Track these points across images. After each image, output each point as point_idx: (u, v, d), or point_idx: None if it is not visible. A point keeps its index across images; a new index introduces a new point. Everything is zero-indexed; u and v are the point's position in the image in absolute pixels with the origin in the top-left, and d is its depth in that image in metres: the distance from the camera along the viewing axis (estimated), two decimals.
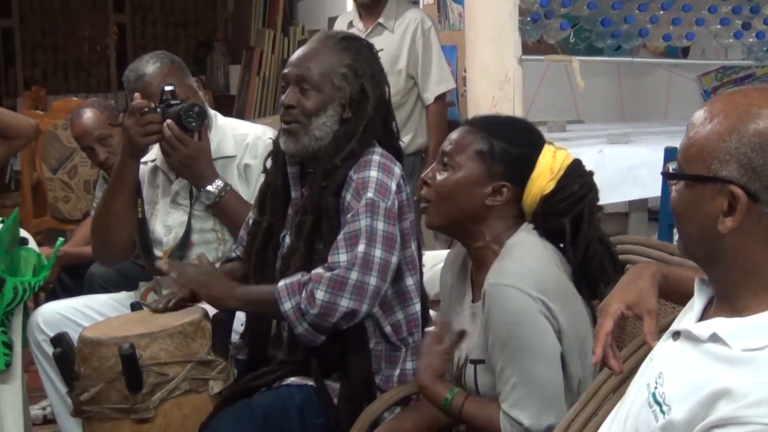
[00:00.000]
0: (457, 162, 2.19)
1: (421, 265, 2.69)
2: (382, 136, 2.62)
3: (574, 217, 2.17)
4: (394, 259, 2.49)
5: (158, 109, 3.02)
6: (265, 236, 2.70)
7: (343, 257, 2.43)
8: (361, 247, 2.43)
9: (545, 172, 2.16)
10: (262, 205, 2.73)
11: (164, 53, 3.29)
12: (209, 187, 3.07)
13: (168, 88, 3.06)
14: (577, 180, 2.18)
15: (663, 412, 1.51)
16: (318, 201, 2.51)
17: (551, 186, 2.16)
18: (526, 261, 2.11)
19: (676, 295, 1.90)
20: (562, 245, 2.21)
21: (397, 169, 2.53)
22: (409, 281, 2.60)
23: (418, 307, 2.62)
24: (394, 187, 2.50)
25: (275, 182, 2.69)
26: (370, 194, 2.46)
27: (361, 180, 2.48)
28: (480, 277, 2.18)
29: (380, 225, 2.45)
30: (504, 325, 2.06)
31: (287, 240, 2.66)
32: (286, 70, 2.60)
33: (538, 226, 2.19)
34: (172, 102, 3.04)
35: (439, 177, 2.21)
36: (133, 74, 3.21)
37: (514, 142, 2.20)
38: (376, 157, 2.52)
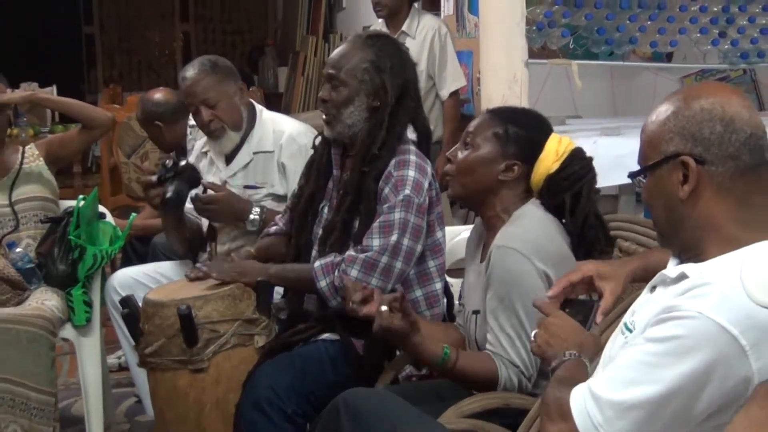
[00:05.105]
0: (477, 142, 2.23)
1: (444, 249, 2.67)
2: (415, 116, 2.61)
3: (574, 194, 2.19)
4: (419, 248, 2.51)
5: (157, 182, 2.96)
6: (307, 202, 2.70)
7: (376, 242, 2.45)
8: (394, 237, 2.45)
9: (551, 154, 2.19)
10: (308, 174, 2.74)
11: (208, 59, 3.13)
12: (251, 216, 3.03)
13: (167, 161, 3.00)
14: (578, 162, 2.21)
15: (629, 331, 1.55)
16: (359, 183, 2.52)
17: (556, 166, 2.19)
18: (530, 228, 2.14)
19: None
20: (563, 221, 2.22)
21: (429, 169, 2.55)
22: (431, 263, 2.60)
23: (438, 285, 2.63)
24: (426, 185, 2.51)
25: (320, 158, 2.70)
26: (407, 191, 2.47)
27: (400, 178, 2.49)
28: (489, 241, 2.21)
29: (412, 218, 2.47)
30: (503, 283, 2.08)
31: (326, 211, 2.66)
32: (324, 70, 2.64)
33: (543, 201, 2.21)
34: (167, 175, 2.94)
35: (461, 155, 2.25)
36: (181, 75, 3.13)
37: (525, 127, 2.23)
38: (413, 158, 2.53)
